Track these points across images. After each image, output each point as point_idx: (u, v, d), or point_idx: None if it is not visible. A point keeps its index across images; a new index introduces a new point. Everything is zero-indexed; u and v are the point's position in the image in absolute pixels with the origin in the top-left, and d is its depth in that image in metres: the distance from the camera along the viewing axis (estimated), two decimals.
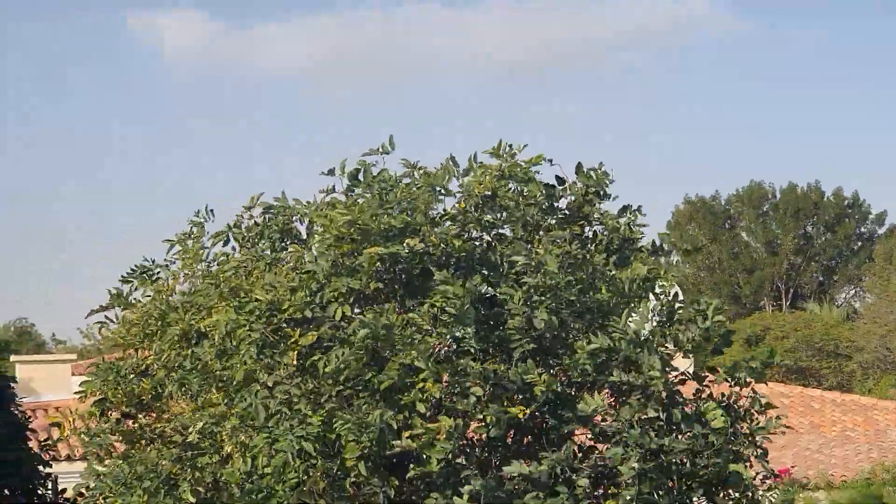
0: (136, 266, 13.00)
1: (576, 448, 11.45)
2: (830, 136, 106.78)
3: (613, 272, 11.93)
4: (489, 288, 11.61)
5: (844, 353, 49.83)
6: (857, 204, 72.53)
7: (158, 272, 13.01)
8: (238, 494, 11.28)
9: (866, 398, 34.27)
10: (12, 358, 28.32)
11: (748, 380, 12.00)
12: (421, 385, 10.78)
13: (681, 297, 12.42)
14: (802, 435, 28.75)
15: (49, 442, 15.17)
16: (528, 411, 11.02)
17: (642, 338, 11.33)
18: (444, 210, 12.02)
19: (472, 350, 10.98)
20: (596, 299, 11.50)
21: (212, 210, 12.97)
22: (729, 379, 12.00)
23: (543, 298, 11.09)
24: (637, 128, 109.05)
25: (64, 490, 14.52)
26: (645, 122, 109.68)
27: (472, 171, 12.25)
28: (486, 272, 11.73)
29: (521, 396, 11.05)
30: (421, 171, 12.24)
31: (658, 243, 12.80)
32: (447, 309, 10.87)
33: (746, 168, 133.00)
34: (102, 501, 12.54)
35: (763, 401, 12.04)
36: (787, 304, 68.55)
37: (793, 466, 22.43)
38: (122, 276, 12.99)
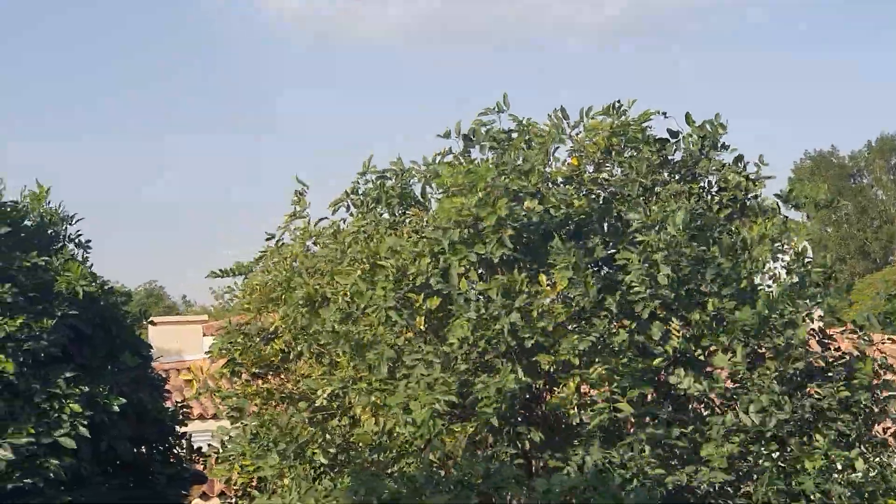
0: (259, 253, 13.36)
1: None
2: None
3: (735, 229, 11.84)
4: (609, 248, 11.61)
5: None
6: None
7: (281, 241, 13.29)
8: (368, 455, 11.50)
9: None
10: (146, 321, 28.96)
11: (871, 335, 11.95)
12: (554, 349, 10.85)
13: (810, 254, 12.28)
14: None
15: (182, 402, 15.59)
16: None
17: (777, 295, 11.31)
18: (556, 169, 12.01)
19: (596, 313, 11.01)
20: (716, 256, 11.43)
21: (302, 182, 13.18)
22: (858, 332, 11.95)
23: (666, 254, 11.05)
24: (751, 80, 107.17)
25: (199, 448, 14.92)
26: (758, 75, 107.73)
27: (583, 123, 12.20)
28: (605, 234, 11.73)
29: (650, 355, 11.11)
30: (531, 128, 12.22)
31: (783, 197, 12.64)
32: (571, 278, 10.88)
33: (871, 121, 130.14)
34: (235, 463, 12.90)
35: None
36: None
37: None
38: (252, 261, 13.35)
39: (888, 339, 12.20)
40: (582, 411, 10.69)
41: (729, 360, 11.13)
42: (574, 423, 10.74)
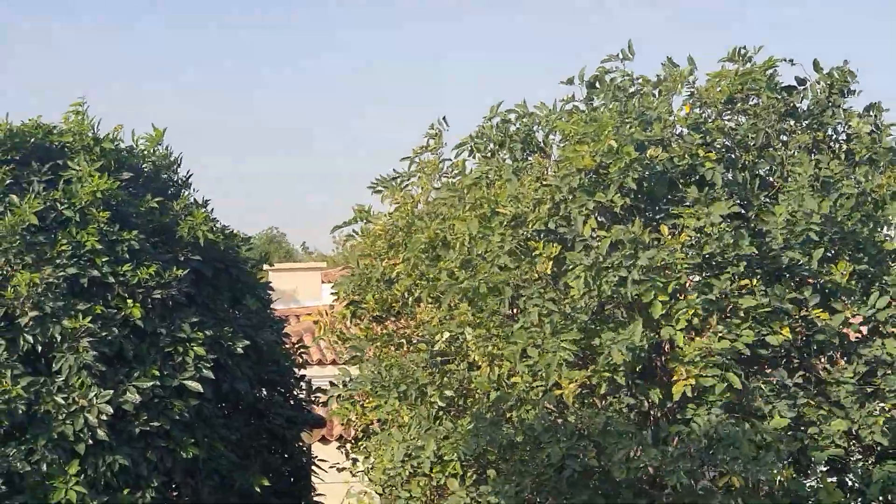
0: (380, 177, 13.29)
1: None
2: None
3: (865, 181, 11.60)
4: (738, 203, 11.44)
5: None
6: None
7: (405, 183, 13.27)
8: (485, 401, 11.52)
9: None
10: (265, 267, 29.35)
11: None
12: (676, 305, 10.74)
13: None
14: None
15: (302, 345, 15.76)
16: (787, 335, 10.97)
17: None
18: (681, 116, 11.83)
19: (727, 270, 10.86)
20: (849, 216, 11.24)
21: (445, 118, 13.13)
22: None
23: (794, 218, 10.91)
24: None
25: (318, 389, 15.09)
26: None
27: (692, 73, 12.02)
28: (731, 186, 11.54)
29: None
30: (649, 81, 12.09)
31: None
32: (704, 230, 10.75)
33: None
34: (356, 404, 13.03)
35: None
36: None
37: None
38: (371, 185, 13.31)
39: None
40: (694, 382, 10.52)
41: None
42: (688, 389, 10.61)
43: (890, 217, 11.61)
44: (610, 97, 11.91)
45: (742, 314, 10.74)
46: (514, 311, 11.30)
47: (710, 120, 11.92)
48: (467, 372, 11.89)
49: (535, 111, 12.34)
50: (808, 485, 11.16)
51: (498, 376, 11.39)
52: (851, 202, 11.24)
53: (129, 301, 12.44)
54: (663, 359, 11.24)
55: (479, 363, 11.61)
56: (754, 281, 10.83)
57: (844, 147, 12.12)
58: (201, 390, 12.53)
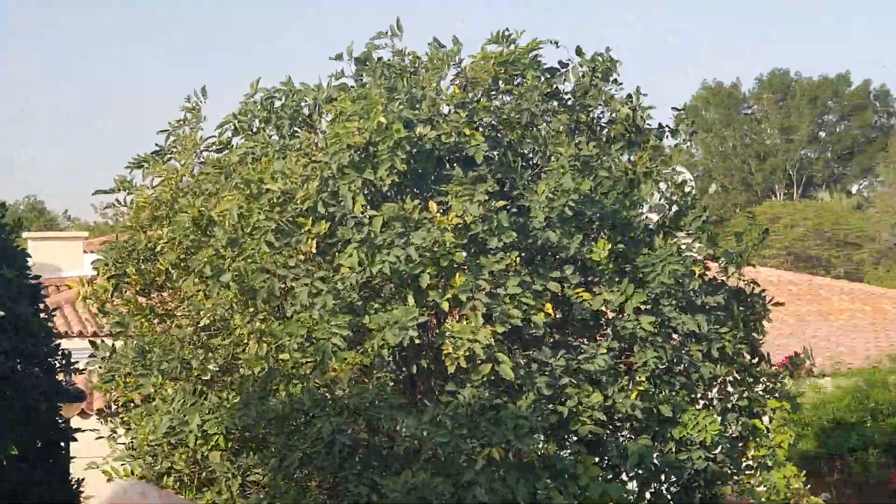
0: (139, 155, 13.04)
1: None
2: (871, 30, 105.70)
3: (621, 161, 12.02)
4: (500, 178, 11.65)
5: (854, 241, 49.91)
6: (882, 96, 71.89)
7: (168, 156, 13.03)
8: (251, 375, 11.45)
9: (875, 287, 34.36)
10: (24, 234, 28.42)
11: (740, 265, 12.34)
12: (443, 283, 10.89)
13: (691, 182, 12.54)
14: (810, 323, 28.90)
15: (54, 310, 15.24)
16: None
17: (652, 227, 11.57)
18: (448, 95, 11.97)
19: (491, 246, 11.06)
20: (606, 195, 11.61)
21: (204, 89, 12.93)
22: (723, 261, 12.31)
23: (555, 197, 11.18)
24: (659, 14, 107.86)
25: (76, 363, 14.66)
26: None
27: (457, 53, 12.18)
28: (497, 164, 11.75)
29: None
30: (419, 59, 12.20)
31: (674, 126, 12.81)
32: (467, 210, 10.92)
33: (777, 58, 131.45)
34: (120, 379, 12.75)
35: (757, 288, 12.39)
36: (799, 192, 68.41)
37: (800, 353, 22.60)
38: (130, 162, 13.03)
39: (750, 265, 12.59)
40: (464, 359, 10.72)
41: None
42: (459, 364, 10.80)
43: (645, 196, 12.04)
44: (379, 75, 11.95)
45: (509, 294, 10.95)
46: (283, 288, 11.25)
47: (476, 100, 12.09)
48: (234, 347, 11.79)
49: (303, 88, 12.27)
50: (567, 457, 11.48)
51: (266, 352, 11.33)
52: (610, 182, 11.61)
53: None
54: (430, 334, 11.39)
55: (247, 339, 11.53)
56: (517, 260, 11.06)
57: (605, 129, 12.50)
58: None
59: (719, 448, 12.08)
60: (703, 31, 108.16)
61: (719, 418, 12.10)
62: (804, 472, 19.84)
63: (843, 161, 71.63)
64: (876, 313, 30.49)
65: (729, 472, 12.40)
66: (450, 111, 11.83)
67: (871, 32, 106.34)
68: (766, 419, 12.94)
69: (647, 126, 12.49)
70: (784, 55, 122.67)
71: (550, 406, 11.22)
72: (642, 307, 11.54)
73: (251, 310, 11.42)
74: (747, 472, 12.64)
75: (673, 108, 12.88)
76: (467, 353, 10.66)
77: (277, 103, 12.32)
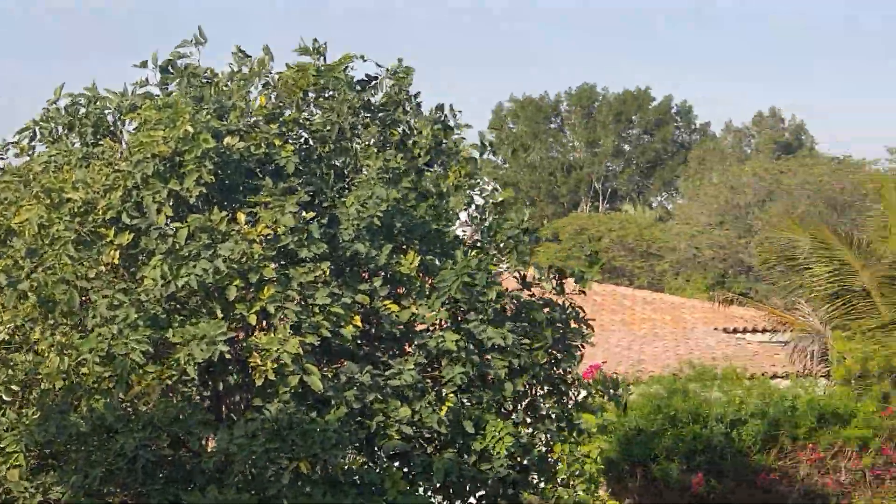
0: None
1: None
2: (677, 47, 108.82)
3: (434, 177, 12.10)
4: (311, 190, 11.61)
5: (656, 253, 51.22)
6: (685, 111, 74.05)
7: None
8: (48, 389, 11.15)
9: (675, 297, 35.35)
10: None
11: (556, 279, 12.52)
12: (251, 296, 10.79)
13: (499, 192, 12.67)
14: (614, 332, 29.56)
15: None
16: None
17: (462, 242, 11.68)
18: (258, 107, 11.88)
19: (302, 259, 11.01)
20: (416, 207, 11.67)
21: None
22: (541, 277, 12.46)
23: (364, 209, 11.19)
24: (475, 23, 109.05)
25: None
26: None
27: (266, 64, 12.09)
28: (308, 176, 11.71)
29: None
30: (235, 71, 12.08)
31: (484, 142, 12.94)
32: (278, 221, 10.84)
33: (584, 74, 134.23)
34: None
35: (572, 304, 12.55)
36: (605, 204, 69.94)
37: (603, 362, 23.08)
38: None
39: (580, 290, 12.69)
40: (272, 372, 10.64)
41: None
42: (269, 378, 10.71)
43: (455, 209, 12.14)
44: (185, 83, 11.79)
45: (317, 306, 10.91)
46: (85, 300, 10.99)
47: (287, 111, 12.03)
48: (33, 362, 11.45)
49: (108, 94, 12.02)
50: (374, 471, 11.48)
51: (68, 366, 11.04)
52: (416, 194, 11.68)
53: None
54: (237, 348, 11.27)
55: (48, 353, 11.22)
56: (327, 271, 11.04)
57: (416, 142, 12.54)
58: None
59: (527, 458, 12.23)
60: (513, 43, 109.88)
61: (526, 430, 12.25)
62: (609, 478, 20.32)
63: (647, 175, 73.56)
64: (676, 322, 31.42)
65: (535, 480, 12.57)
66: (259, 122, 11.74)
67: (672, 49, 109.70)
68: (575, 430, 13.15)
69: (456, 138, 12.59)
70: (591, 69, 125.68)
71: (359, 420, 11.21)
72: (447, 322, 11.62)
73: (51, 322, 11.12)
74: (554, 481, 12.83)
75: (489, 129, 13.05)
76: (275, 365, 10.58)
77: (82, 110, 12.03)
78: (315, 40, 12.14)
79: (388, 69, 12.41)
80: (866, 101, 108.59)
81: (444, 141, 12.45)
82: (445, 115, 12.55)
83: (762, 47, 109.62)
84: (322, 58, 12.17)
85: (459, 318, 11.70)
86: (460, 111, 12.64)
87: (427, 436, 11.90)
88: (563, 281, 12.64)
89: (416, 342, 11.63)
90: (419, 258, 11.56)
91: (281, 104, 12.06)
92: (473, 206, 12.42)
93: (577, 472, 12.62)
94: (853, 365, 22.71)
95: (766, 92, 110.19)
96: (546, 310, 12.28)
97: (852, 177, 46.21)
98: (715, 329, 29.88)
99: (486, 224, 12.40)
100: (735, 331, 29.99)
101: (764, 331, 29.60)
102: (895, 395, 22.35)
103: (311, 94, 12.11)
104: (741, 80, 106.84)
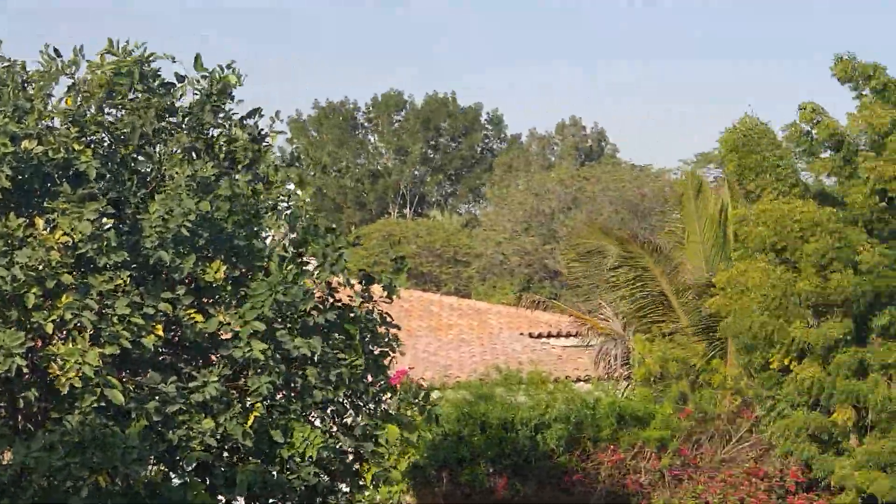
0: None
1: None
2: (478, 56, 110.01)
3: (244, 186, 11.97)
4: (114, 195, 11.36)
5: (464, 259, 51.72)
6: (495, 120, 74.96)
7: None
8: None
9: (482, 303, 35.66)
10: None
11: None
12: (49, 304, 10.51)
13: (308, 201, 12.61)
14: (421, 338, 29.71)
15: None
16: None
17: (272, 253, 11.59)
18: (58, 109, 11.57)
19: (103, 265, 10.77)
20: (226, 216, 11.52)
21: None
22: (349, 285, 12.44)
23: (171, 217, 11.00)
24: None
25: None
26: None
27: (76, 64, 11.77)
28: (110, 180, 11.46)
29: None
30: (23, 69, 11.72)
31: (295, 151, 12.85)
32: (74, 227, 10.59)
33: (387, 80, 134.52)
34: None
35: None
36: (413, 211, 70.33)
37: (411, 368, 23.21)
38: None
39: (387, 296, 12.71)
40: (77, 381, 10.39)
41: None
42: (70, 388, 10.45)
43: (266, 219, 12.00)
44: None
45: (118, 315, 10.69)
46: None
47: (89, 113, 11.73)
48: None
49: None
50: (176, 485, 11.31)
51: None
52: (227, 205, 11.52)
53: None
54: (35, 358, 10.96)
55: None
56: (127, 280, 10.82)
57: (226, 149, 12.32)
58: None
59: (335, 466, 12.20)
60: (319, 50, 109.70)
61: (335, 440, 12.21)
62: (416, 483, 20.43)
63: (454, 181, 74.27)
64: (482, 327, 31.76)
65: (343, 488, 12.55)
66: (59, 125, 11.44)
67: (481, 56, 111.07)
68: (382, 437, 13.17)
69: (265, 146, 12.44)
70: (399, 76, 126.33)
71: (160, 431, 11.01)
72: (256, 332, 11.51)
73: None
74: (361, 489, 12.83)
75: (292, 138, 12.94)
76: (76, 376, 10.32)
77: None
78: (118, 38, 11.84)
79: (204, 71, 12.13)
80: (665, 111, 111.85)
81: (258, 148, 12.30)
82: (257, 122, 12.41)
83: (576, 55, 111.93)
84: (128, 56, 11.85)
85: (268, 328, 11.59)
86: (280, 119, 12.49)
87: (231, 447, 11.77)
88: (370, 288, 12.63)
89: (221, 352, 11.49)
90: (225, 267, 11.41)
91: (83, 107, 11.74)
92: (284, 214, 12.29)
93: (383, 479, 12.64)
94: (653, 366, 23.35)
95: (570, 101, 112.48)
96: (351, 315, 12.27)
97: (652, 184, 47.52)
98: (521, 334, 30.29)
99: (296, 232, 12.29)
100: (540, 336, 30.46)
101: (568, 335, 30.14)
102: (693, 397, 23.06)
103: (116, 97, 11.81)
104: (548, 89, 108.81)
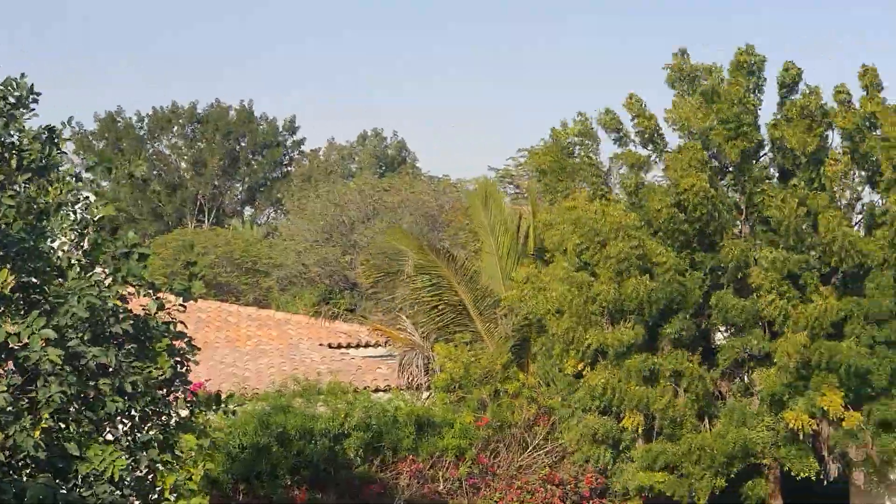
0: None
1: None
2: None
3: (35, 194, 11.67)
4: None
5: (263, 269, 51.30)
6: (292, 130, 74.67)
7: None
8: None
9: (281, 313, 35.43)
10: None
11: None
12: None
13: (98, 209, 12.36)
14: (218, 349, 29.34)
15: None
16: None
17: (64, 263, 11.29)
18: None
19: None
20: (11, 223, 11.19)
21: None
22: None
23: None
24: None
25: None
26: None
27: None
28: None
29: None
30: None
31: (91, 162, 12.58)
32: None
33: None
34: None
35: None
36: (211, 221, 69.52)
37: (207, 380, 22.86)
38: None
39: (180, 305, 12.48)
40: None
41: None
42: None
43: (56, 227, 11.70)
44: None
45: None
46: None
47: None
48: None
49: None
50: None
51: None
52: (14, 211, 11.19)
53: None
54: None
55: None
56: None
57: (16, 157, 12.00)
58: None
59: (126, 481, 11.91)
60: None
61: (126, 454, 11.93)
62: (213, 497, 20.11)
63: (254, 192, 73.76)
64: (282, 338, 31.56)
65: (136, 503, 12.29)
66: None
67: (283, 68, 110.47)
68: (176, 450, 12.95)
69: (57, 154, 12.12)
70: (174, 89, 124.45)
71: None
72: (49, 339, 11.17)
73: None
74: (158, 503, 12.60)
75: (77, 150, 12.63)
76: None
77: None
78: None
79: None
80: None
81: (49, 156, 11.97)
82: (51, 130, 12.08)
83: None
84: None
85: (61, 337, 11.27)
86: (73, 127, 12.20)
87: (22, 461, 11.39)
88: (162, 296, 12.40)
89: (10, 361, 11.11)
90: (14, 275, 11.05)
91: None
92: (76, 223, 12.01)
93: (179, 494, 12.43)
94: (455, 369, 23.56)
95: (370, 113, 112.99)
96: (130, 323, 12.01)
97: (449, 195, 48.00)
98: (320, 345, 30.23)
99: (90, 241, 12.00)
100: (340, 346, 30.46)
101: (367, 345, 30.24)
102: (491, 405, 23.33)
103: None
104: (350, 101, 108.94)
